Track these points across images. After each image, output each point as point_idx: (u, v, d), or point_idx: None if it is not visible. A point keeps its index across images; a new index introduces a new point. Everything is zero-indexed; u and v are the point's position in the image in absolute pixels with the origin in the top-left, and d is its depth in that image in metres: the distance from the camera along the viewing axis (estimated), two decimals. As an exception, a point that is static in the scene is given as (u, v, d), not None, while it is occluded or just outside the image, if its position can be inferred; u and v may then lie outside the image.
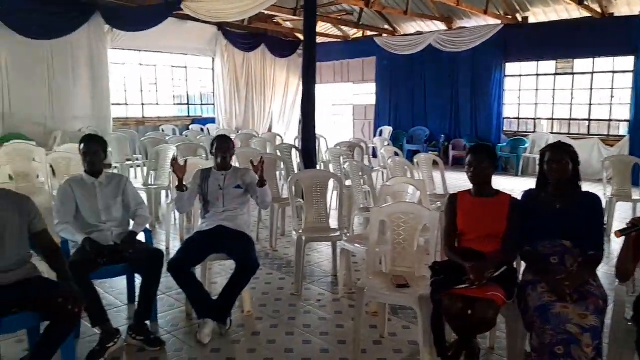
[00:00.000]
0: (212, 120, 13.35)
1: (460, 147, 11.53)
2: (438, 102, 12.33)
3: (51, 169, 5.61)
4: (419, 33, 12.30)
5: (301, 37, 14.37)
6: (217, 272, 4.23)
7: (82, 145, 3.25)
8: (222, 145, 3.63)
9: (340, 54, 14.00)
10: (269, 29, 13.43)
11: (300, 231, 4.01)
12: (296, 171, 6.48)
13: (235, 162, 4.00)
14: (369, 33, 13.05)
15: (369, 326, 3.26)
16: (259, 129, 13.54)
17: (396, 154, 6.51)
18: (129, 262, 3.14)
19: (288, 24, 13.47)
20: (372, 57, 13.48)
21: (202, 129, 12.23)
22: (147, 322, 3.12)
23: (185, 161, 3.46)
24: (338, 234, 4.02)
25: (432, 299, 2.60)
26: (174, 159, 3.46)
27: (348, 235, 4.00)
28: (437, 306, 2.58)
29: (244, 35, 13.25)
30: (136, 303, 3.19)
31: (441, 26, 11.86)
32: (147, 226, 3.50)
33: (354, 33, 13.70)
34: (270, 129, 14.14)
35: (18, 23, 9.27)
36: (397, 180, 4.18)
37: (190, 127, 12.53)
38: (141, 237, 3.38)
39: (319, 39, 10.32)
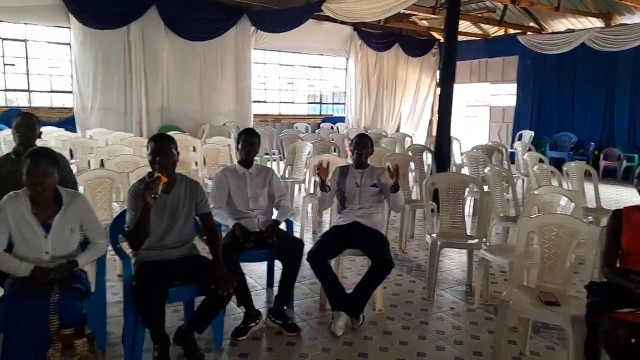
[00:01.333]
0: (341, 119, 13.63)
1: (613, 157, 10.37)
2: (589, 106, 11.21)
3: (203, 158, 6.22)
4: (570, 31, 11.26)
5: (436, 36, 14.10)
6: (347, 267, 4.31)
7: (242, 136, 3.52)
8: (360, 143, 3.68)
9: (479, 52, 13.39)
10: (404, 28, 13.31)
11: (435, 235, 3.92)
12: (427, 173, 6.35)
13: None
14: (511, 31, 12.29)
15: (506, 341, 3.07)
16: (387, 128, 13.51)
17: (541, 161, 6.05)
18: (272, 249, 3.34)
19: (424, 23, 13.21)
20: (514, 57, 12.69)
21: (331, 127, 12.56)
22: (285, 307, 3.28)
23: (328, 164, 3.55)
24: (476, 241, 3.85)
25: (588, 321, 2.37)
26: (319, 165, 3.55)
27: (487, 244, 3.80)
28: (594, 330, 2.35)
29: (379, 35, 13.30)
30: (274, 288, 3.37)
31: (597, 23, 10.75)
32: (289, 217, 3.68)
33: (494, 31, 13.02)
34: (398, 129, 14.04)
35: (179, 27, 10.37)
36: (545, 189, 3.87)
37: (321, 125, 12.94)
38: (282, 226, 3.57)
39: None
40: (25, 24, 9.39)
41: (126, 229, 2.73)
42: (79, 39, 9.54)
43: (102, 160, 5.29)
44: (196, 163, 6.42)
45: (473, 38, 13.25)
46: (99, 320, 2.60)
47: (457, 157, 8.32)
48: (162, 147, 2.72)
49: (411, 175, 6.08)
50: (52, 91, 10.09)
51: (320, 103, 13.85)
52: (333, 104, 14.09)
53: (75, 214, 2.52)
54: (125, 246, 2.93)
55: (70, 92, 9.96)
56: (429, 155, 7.35)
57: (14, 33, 9.43)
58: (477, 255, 3.84)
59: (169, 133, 7.20)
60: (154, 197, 2.51)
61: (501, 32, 12.80)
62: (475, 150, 6.86)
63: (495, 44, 13.07)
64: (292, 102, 13.28)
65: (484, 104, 14.20)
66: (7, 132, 7.41)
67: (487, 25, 12.59)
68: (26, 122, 3.15)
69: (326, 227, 5.80)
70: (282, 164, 7.91)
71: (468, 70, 13.93)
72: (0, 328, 2.22)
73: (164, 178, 2.57)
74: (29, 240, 2.41)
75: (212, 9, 10.63)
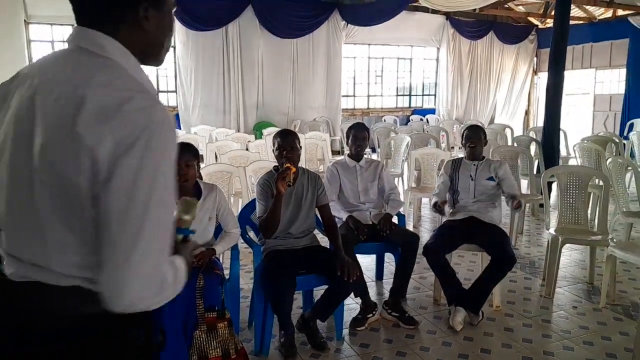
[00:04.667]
0: (432, 111, 13.34)
1: None
2: None
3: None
4: (692, 8, 10.17)
5: (534, 21, 13.33)
6: (456, 263, 4.20)
7: (352, 130, 3.58)
8: (473, 134, 3.59)
9: (582, 37, 12.43)
10: (499, 15, 12.72)
11: (554, 231, 3.72)
12: (535, 166, 6.04)
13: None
14: (620, 12, 11.31)
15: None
16: (481, 119, 13.01)
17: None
18: (385, 242, 3.35)
19: (521, 8, 12.54)
20: (624, 40, 11.67)
21: (421, 119, 12.34)
22: (401, 300, 3.29)
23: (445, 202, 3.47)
24: (600, 237, 3.61)
25: None
26: (435, 203, 3.44)
27: (614, 240, 3.56)
28: None
29: (472, 23, 12.82)
30: (384, 281, 3.38)
31: None
32: (400, 210, 3.68)
33: (600, 13, 12.05)
34: (492, 121, 13.48)
35: (273, 25, 10.68)
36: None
37: (411, 117, 12.75)
38: (394, 220, 3.57)
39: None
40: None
41: (258, 219, 2.89)
42: (182, 40, 10.14)
43: (215, 155, 5.60)
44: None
45: (577, 22, 12.35)
46: (234, 305, 2.77)
47: (563, 149, 7.83)
48: (287, 141, 2.86)
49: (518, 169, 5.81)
50: (158, 91, 10.83)
51: (410, 95, 13.64)
52: (423, 95, 13.82)
53: (213, 204, 2.69)
54: (252, 235, 3.10)
55: (174, 91, 10.64)
56: (533, 147, 6.99)
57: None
58: (600, 252, 3.61)
59: (264, 130, 7.52)
60: (288, 186, 2.64)
61: (608, 14, 11.82)
62: (586, 142, 6.42)
63: (602, 27, 12.09)
64: (381, 95, 13.20)
65: (586, 92, 13.20)
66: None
67: (593, 7, 11.68)
68: None
69: (426, 222, 5.76)
70: (375, 157, 7.91)
71: (570, 56, 12.94)
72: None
73: (293, 168, 2.72)
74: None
75: (304, 5, 10.84)
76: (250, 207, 3.19)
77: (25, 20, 9.06)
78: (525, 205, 5.27)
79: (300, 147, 2.93)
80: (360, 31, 11.59)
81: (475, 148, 3.56)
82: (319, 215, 3.06)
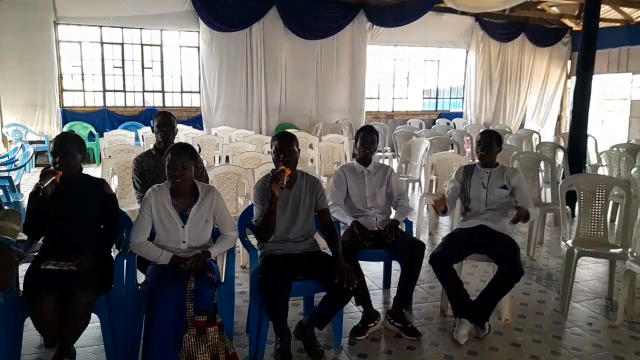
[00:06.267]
0: (459, 115, 13.09)
1: None
2: None
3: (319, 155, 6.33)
4: None
5: (568, 23, 12.90)
6: (469, 273, 4.09)
7: (361, 133, 3.50)
8: (486, 140, 3.44)
9: (618, 40, 11.97)
10: (531, 16, 12.36)
11: (570, 243, 3.55)
12: (561, 174, 5.81)
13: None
14: (660, 13, 10.85)
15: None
16: (510, 124, 12.69)
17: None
18: (391, 249, 3.26)
19: (554, 9, 12.16)
20: (663, 43, 11.18)
21: (447, 123, 12.10)
22: (404, 310, 3.18)
23: (444, 196, 3.33)
24: (620, 251, 3.42)
25: None
26: (436, 201, 3.30)
27: (634, 255, 3.36)
28: None
29: (503, 25, 12.51)
30: (392, 289, 3.29)
31: None
32: (408, 217, 3.57)
33: (638, 15, 11.58)
34: (522, 125, 13.11)
35: (297, 26, 10.66)
36: None
37: (437, 121, 12.52)
38: (401, 227, 3.46)
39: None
40: (161, 30, 10.30)
41: (254, 223, 2.84)
42: (207, 41, 10.23)
43: (227, 156, 5.60)
44: (312, 160, 6.54)
45: (611, 24, 11.89)
46: (228, 309, 2.72)
47: (592, 156, 7.53)
48: (285, 145, 2.81)
49: (541, 176, 5.61)
50: (182, 91, 10.96)
51: (437, 98, 13.41)
52: (450, 98, 13.57)
53: (210, 206, 2.66)
54: (251, 239, 3.05)
55: (198, 92, 10.75)
56: (560, 154, 6.75)
57: (152, 39, 10.39)
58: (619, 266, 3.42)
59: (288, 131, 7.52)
60: (280, 188, 2.59)
61: (647, 15, 11.35)
62: (615, 149, 6.14)
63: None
64: (406, 98, 13.02)
65: (623, 97, 12.68)
66: (146, 130, 8.21)
67: (631, 9, 11.22)
68: (167, 121, 3.41)
69: (443, 229, 5.60)
70: (395, 162, 7.78)
71: (606, 59, 12.51)
72: (144, 311, 2.42)
73: (288, 170, 2.68)
74: (168, 230, 2.60)
75: (330, 6, 10.79)
76: (251, 210, 3.14)
77: (54, 21, 9.31)
78: (546, 214, 5.06)
79: (299, 149, 2.86)
80: (386, 32, 11.46)
81: (486, 155, 3.42)
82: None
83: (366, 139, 3.50)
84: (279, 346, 2.72)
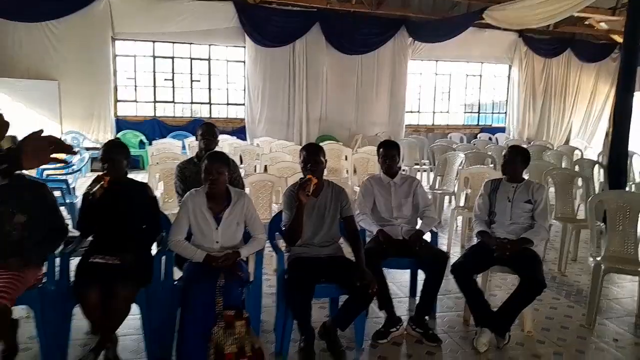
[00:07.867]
0: (501, 130, 12.94)
1: None
2: None
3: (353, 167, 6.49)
4: None
5: (617, 39, 12.55)
6: (496, 285, 4.13)
7: (381, 149, 3.64)
8: (510, 155, 3.51)
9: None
10: (578, 32, 12.13)
11: (599, 258, 3.54)
12: (597, 191, 5.72)
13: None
14: None
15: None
16: (554, 141, 12.44)
17: None
18: (415, 258, 3.37)
19: (602, 25, 11.89)
20: None
21: (489, 138, 11.98)
22: (427, 318, 3.28)
23: None
24: (649, 268, 3.39)
25: None
26: None
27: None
28: None
29: (548, 40, 12.36)
30: (417, 298, 3.39)
31: None
32: (434, 228, 3.67)
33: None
34: (567, 142, 12.81)
35: (339, 42, 10.93)
36: None
37: (479, 135, 12.43)
38: (427, 237, 3.57)
39: None
40: (210, 45, 10.81)
41: (283, 228, 3.04)
42: (252, 56, 10.65)
43: (265, 166, 5.86)
44: (347, 171, 6.71)
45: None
46: (255, 306, 2.92)
47: (637, 174, 7.34)
48: (311, 155, 3.01)
49: (578, 192, 5.55)
50: (228, 104, 11.41)
51: (479, 112, 13.32)
52: (492, 113, 13.44)
53: (241, 210, 2.88)
54: (280, 243, 3.24)
55: (243, 104, 11.16)
56: (602, 171, 6.62)
57: (201, 53, 10.91)
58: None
59: (322, 143, 7.72)
60: (307, 196, 2.77)
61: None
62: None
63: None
64: (447, 112, 13.00)
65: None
66: (192, 139, 8.62)
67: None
68: (210, 131, 3.70)
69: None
70: (432, 175, 7.82)
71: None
72: (179, 304, 2.65)
73: (314, 179, 2.86)
74: (203, 231, 2.83)
75: (371, 22, 11.00)
76: (281, 215, 3.34)
77: (112, 37, 9.96)
78: (581, 231, 5.01)
79: (325, 160, 3.05)
80: (427, 47, 11.56)
81: (506, 169, 3.49)
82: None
83: (387, 155, 3.61)
84: (302, 344, 2.88)
